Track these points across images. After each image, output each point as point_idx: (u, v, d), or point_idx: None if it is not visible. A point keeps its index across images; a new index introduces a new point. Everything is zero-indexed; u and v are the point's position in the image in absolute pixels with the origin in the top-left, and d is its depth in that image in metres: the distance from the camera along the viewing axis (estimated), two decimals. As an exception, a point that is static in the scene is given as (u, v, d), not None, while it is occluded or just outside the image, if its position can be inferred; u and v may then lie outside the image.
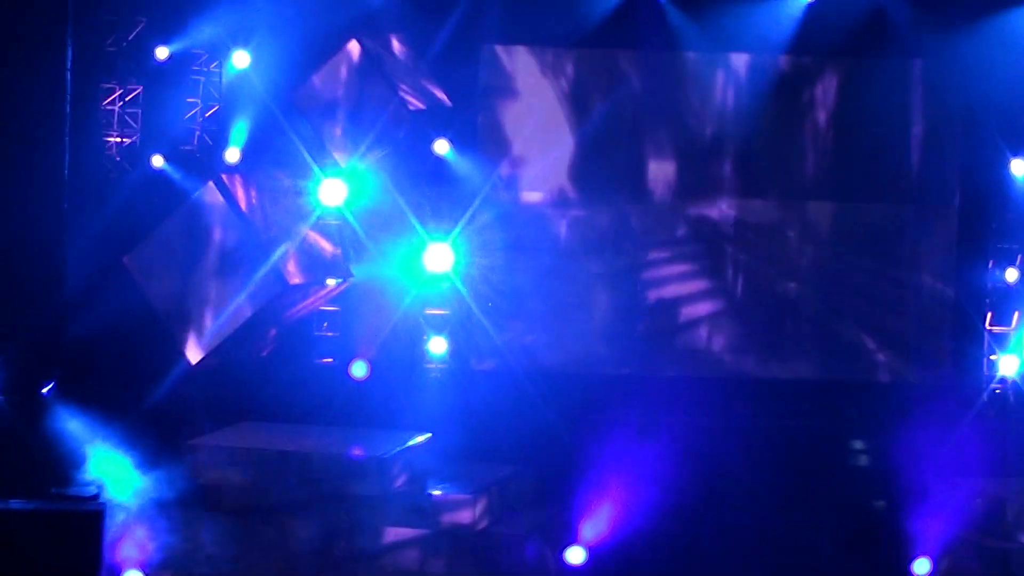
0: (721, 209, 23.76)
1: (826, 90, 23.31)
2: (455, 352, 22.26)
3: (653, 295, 23.74)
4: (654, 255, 23.83)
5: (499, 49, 23.41)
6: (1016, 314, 21.58)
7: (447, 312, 22.33)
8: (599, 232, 23.62)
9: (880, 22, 22.40)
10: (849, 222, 23.59)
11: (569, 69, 23.63)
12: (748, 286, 23.74)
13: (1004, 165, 22.25)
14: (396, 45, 22.49)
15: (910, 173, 23.26)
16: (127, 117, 21.37)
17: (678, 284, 23.87)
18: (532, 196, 23.45)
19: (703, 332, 23.77)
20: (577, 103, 23.57)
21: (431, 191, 22.42)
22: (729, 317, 23.74)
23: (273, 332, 21.58)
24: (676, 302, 23.81)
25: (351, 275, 21.53)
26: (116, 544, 16.21)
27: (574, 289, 23.62)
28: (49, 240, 18.27)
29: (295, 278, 20.67)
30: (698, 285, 23.89)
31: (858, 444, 20.84)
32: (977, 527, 18.40)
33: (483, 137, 23.68)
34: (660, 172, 23.72)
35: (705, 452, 20.32)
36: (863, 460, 20.70)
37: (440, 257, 21.57)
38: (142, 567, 16.43)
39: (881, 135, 23.09)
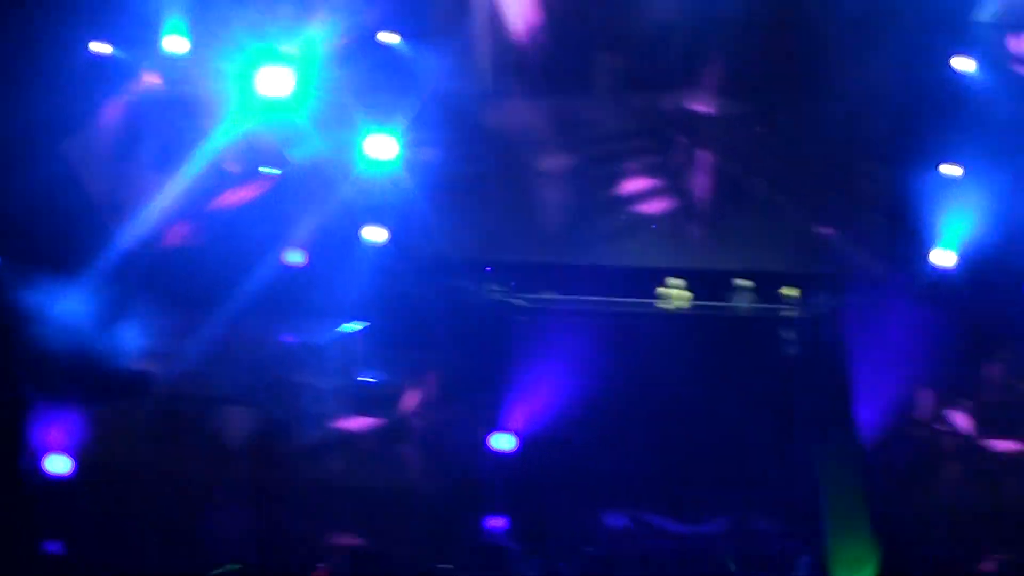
0: (674, 101, 23.72)
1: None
2: (393, 240, 22.21)
3: (604, 189, 23.75)
4: (604, 148, 23.81)
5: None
6: (953, 208, 21.57)
7: (387, 201, 22.26)
8: (546, 124, 23.57)
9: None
10: (800, 118, 23.57)
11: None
12: (698, 177, 23.78)
13: (946, 63, 22.25)
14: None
15: (858, 70, 23.21)
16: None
17: (630, 178, 23.89)
18: (478, 86, 23.39)
19: (650, 225, 23.81)
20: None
21: (377, 80, 22.31)
22: (679, 209, 23.80)
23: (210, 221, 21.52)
24: (628, 195, 23.85)
25: (289, 163, 21.41)
26: (41, 430, 16.28)
27: (521, 182, 23.62)
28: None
29: (233, 166, 20.63)
30: (651, 177, 23.92)
31: (791, 334, 20.89)
32: (908, 415, 18.54)
33: (430, 27, 23.57)
34: (609, 62, 23.64)
35: (640, 339, 20.43)
36: (797, 349, 20.76)
37: (383, 146, 21.49)
38: (68, 452, 16.52)
39: (827, 32, 22.97)
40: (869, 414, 18.29)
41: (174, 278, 20.41)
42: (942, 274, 21.21)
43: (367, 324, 19.98)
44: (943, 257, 21.14)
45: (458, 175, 23.22)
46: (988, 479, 17.57)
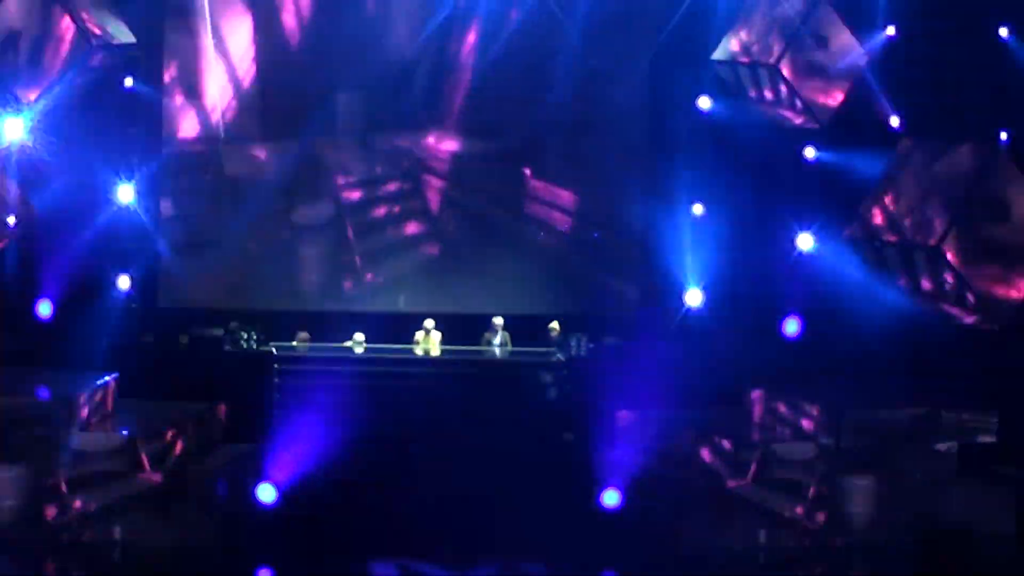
0: (420, 143, 23.72)
1: (521, 25, 23.36)
2: (142, 289, 21.78)
3: (357, 235, 23.63)
4: (353, 193, 23.72)
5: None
6: (701, 247, 21.91)
7: (134, 249, 21.80)
8: (293, 169, 23.42)
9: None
10: (555, 157, 23.81)
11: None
12: (451, 219, 23.85)
13: (693, 103, 22.70)
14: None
15: (606, 110, 23.55)
16: None
17: (383, 223, 23.86)
18: (218, 132, 23.18)
19: (407, 271, 23.80)
20: (263, 32, 23.36)
21: (118, 127, 21.93)
22: (434, 254, 23.83)
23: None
24: (382, 241, 23.80)
25: (33, 211, 20.73)
26: None
27: (268, 228, 23.42)
28: None
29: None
30: (404, 223, 23.94)
31: (548, 377, 21.02)
32: (662, 457, 18.70)
33: (169, 72, 23.28)
34: (351, 104, 23.58)
35: (400, 384, 20.41)
36: (553, 393, 20.88)
37: (126, 193, 21.10)
38: None
39: (575, 71, 23.25)
40: (628, 455, 18.44)
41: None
42: (693, 313, 21.58)
43: (117, 375, 19.37)
44: (693, 296, 21.51)
45: (204, 223, 22.97)
46: (742, 520, 17.79)
